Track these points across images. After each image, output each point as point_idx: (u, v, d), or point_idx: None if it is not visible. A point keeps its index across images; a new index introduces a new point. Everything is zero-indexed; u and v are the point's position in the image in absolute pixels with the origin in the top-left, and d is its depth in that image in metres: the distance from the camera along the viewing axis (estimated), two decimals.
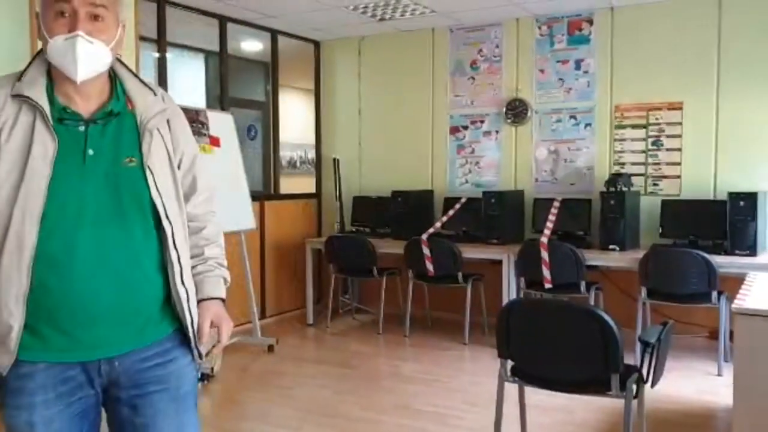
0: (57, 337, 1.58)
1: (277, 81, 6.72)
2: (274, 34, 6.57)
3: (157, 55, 5.50)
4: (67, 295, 1.56)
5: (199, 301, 1.79)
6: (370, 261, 5.89)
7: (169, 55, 5.59)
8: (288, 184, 7.04)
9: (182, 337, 1.74)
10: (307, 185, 7.29)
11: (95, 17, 1.57)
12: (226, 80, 6.13)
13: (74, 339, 1.59)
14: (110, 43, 1.61)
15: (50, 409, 1.60)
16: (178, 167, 1.74)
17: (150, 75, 5.49)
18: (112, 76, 1.70)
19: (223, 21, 6.00)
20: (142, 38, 4.98)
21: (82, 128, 1.60)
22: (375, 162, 6.83)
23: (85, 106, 1.63)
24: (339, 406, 4.16)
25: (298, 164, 8.65)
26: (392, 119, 6.70)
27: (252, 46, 6.98)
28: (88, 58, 1.56)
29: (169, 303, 1.70)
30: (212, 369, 4.66)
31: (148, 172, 1.64)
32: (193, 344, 1.74)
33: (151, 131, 1.68)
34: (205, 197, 1.85)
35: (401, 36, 6.59)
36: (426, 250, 5.57)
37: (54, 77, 1.61)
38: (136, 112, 1.68)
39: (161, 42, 5.45)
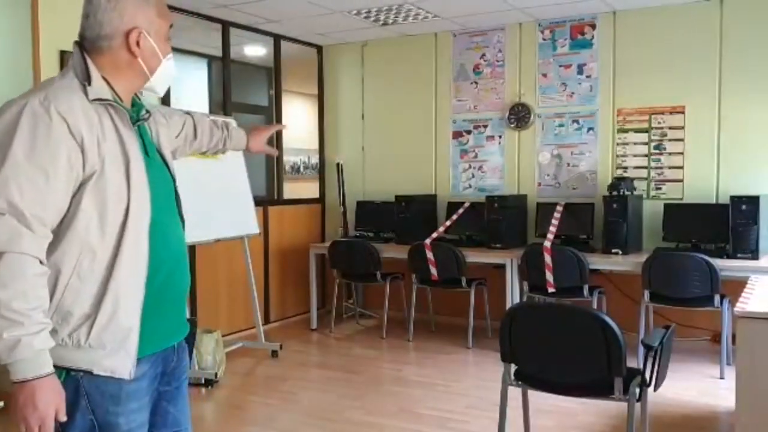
0: (162, 324, 1.67)
1: (280, 86, 6.74)
2: (276, 39, 6.59)
3: None
4: (170, 283, 1.67)
5: (247, 145, 2.34)
6: (373, 266, 5.90)
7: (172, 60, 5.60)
8: (291, 190, 7.05)
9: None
10: (311, 190, 7.30)
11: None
12: (229, 85, 6.15)
13: (171, 325, 1.71)
14: None
15: (148, 409, 1.68)
16: (179, 135, 2.05)
17: None
18: None
19: (225, 26, 6.03)
20: None
21: (135, 126, 1.69)
22: (378, 167, 6.84)
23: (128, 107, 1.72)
24: (343, 410, 4.17)
25: (301, 169, 8.65)
26: (395, 124, 6.72)
27: (255, 51, 7.00)
28: None
29: None
30: (216, 374, 4.67)
31: (169, 163, 1.79)
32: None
33: (157, 125, 1.81)
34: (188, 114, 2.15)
35: (404, 41, 6.61)
36: (429, 255, 5.57)
37: (111, 83, 1.66)
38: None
39: None
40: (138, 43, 1.65)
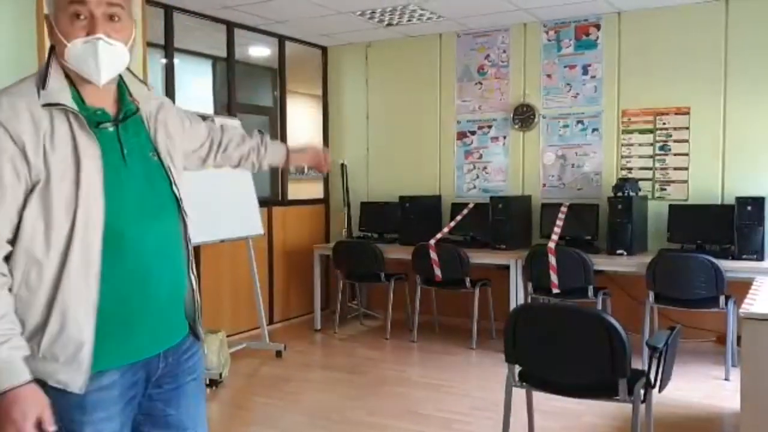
0: (131, 338, 1.58)
1: (285, 87, 6.75)
2: (281, 39, 6.60)
3: (164, 61, 5.54)
4: (139, 295, 1.57)
5: (287, 163, 2.28)
6: (377, 266, 5.90)
7: (177, 61, 5.62)
8: (296, 190, 7.05)
9: (191, 330, 1.80)
10: (315, 191, 7.31)
11: (111, 17, 1.54)
12: (233, 86, 6.16)
13: (144, 336, 1.60)
14: (128, 42, 1.59)
15: (125, 415, 1.60)
16: (193, 140, 1.91)
17: (158, 81, 5.52)
18: None
19: (230, 27, 6.03)
20: (150, 44, 5.02)
21: (112, 129, 1.60)
22: (382, 167, 6.84)
23: (108, 106, 1.62)
24: (346, 411, 4.17)
25: (305, 170, 8.66)
26: (400, 124, 6.72)
27: (259, 51, 7.01)
28: (109, 60, 1.53)
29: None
30: (221, 374, 4.67)
31: (169, 166, 1.69)
32: (200, 331, 1.81)
33: (161, 124, 1.72)
34: (205, 130, 2.04)
35: (408, 41, 6.60)
36: (433, 256, 5.57)
37: (75, 81, 1.57)
38: (141, 107, 1.69)
39: (169, 48, 5.49)
40: (51, 31, 1.54)
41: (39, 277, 1.48)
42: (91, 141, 1.53)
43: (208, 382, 4.61)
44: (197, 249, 5.41)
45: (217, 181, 5.12)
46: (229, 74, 6.14)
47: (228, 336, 5.15)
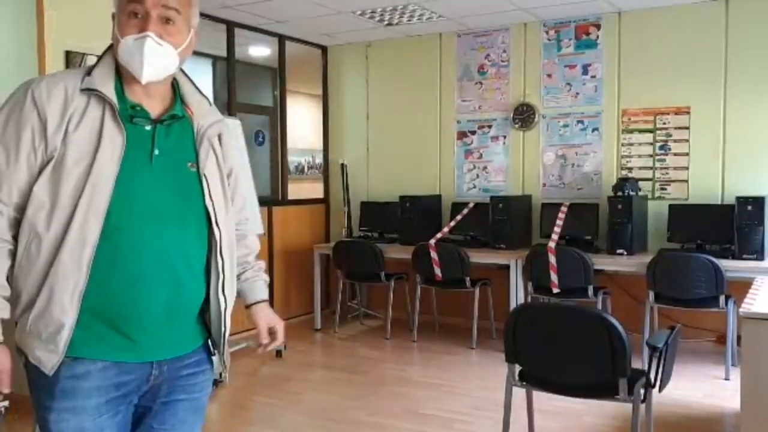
0: (115, 336, 1.56)
1: (285, 86, 6.75)
2: (281, 39, 6.60)
3: None
4: (128, 294, 1.55)
5: (250, 305, 1.93)
6: (377, 266, 5.90)
7: None
8: (296, 190, 7.05)
9: (207, 350, 1.77)
10: (315, 190, 7.31)
11: (167, 20, 1.59)
12: (233, 85, 6.16)
13: (132, 339, 1.57)
14: (179, 46, 1.62)
15: (101, 416, 1.57)
16: (228, 182, 1.77)
17: None
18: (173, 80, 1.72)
19: (230, 26, 6.03)
20: None
21: (148, 128, 1.61)
22: (383, 167, 6.84)
23: (152, 106, 1.64)
24: (347, 411, 4.17)
25: (305, 169, 8.67)
26: (400, 124, 6.72)
27: (259, 51, 7.01)
28: (155, 59, 1.57)
29: (202, 313, 1.72)
30: (221, 374, 4.67)
31: (203, 179, 1.67)
32: (224, 356, 1.77)
33: (209, 140, 1.71)
34: (254, 214, 1.96)
35: (409, 41, 6.61)
36: (434, 255, 5.57)
37: (123, 76, 1.61)
38: (194, 118, 1.71)
39: None
40: (114, 27, 1.61)
41: (38, 251, 1.51)
42: (117, 131, 1.55)
43: None
44: None
45: None
46: (229, 74, 6.14)
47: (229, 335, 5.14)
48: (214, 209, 1.67)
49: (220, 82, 6.64)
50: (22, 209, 1.53)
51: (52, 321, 1.51)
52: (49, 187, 1.51)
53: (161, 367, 1.63)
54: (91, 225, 1.50)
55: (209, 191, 1.67)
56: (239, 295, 1.92)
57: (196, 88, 1.77)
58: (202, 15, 6.61)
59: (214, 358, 1.79)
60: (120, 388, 1.58)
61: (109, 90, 1.57)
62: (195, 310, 1.70)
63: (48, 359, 1.52)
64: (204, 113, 1.73)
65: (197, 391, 1.74)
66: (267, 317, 1.94)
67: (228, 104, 6.17)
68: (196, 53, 6.37)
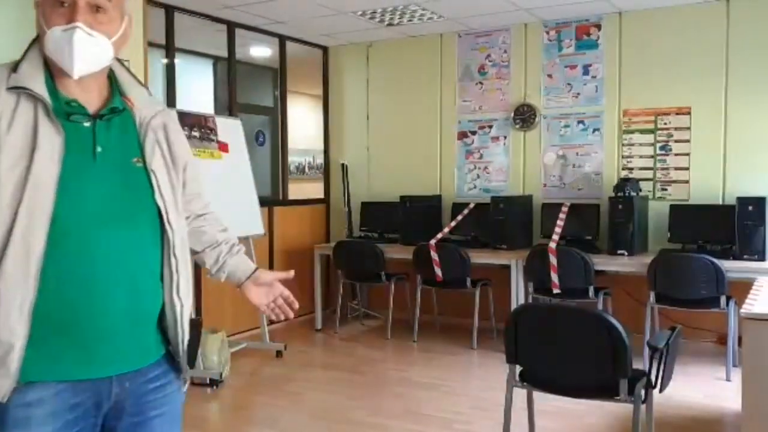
0: (70, 350, 1.44)
1: (286, 87, 6.75)
2: (282, 39, 6.60)
3: (165, 60, 5.54)
4: (83, 303, 1.43)
5: (247, 278, 1.90)
6: (378, 266, 5.90)
7: (178, 60, 5.62)
8: (296, 190, 7.05)
9: (171, 359, 1.64)
10: (316, 191, 7.31)
11: (97, 8, 1.46)
12: (234, 86, 6.16)
13: (89, 351, 1.45)
14: (112, 36, 1.49)
15: None
16: (179, 176, 1.65)
17: (158, 81, 5.52)
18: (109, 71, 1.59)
19: (231, 27, 6.03)
20: (151, 44, 5.01)
21: (87, 124, 1.49)
22: (383, 167, 6.84)
23: (89, 101, 1.51)
24: (348, 411, 4.16)
25: (306, 170, 8.67)
26: (400, 124, 6.72)
27: (260, 51, 7.01)
28: (86, 52, 1.44)
29: (160, 320, 1.60)
30: (221, 374, 4.67)
31: (152, 175, 1.55)
32: (183, 364, 1.64)
33: (154, 132, 1.59)
34: (198, 201, 1.82)
35: (409, 41, 6.60)
36: (434, 256, 5.57)
37: (53, 70, 1.48)
38: (134, 110, 1.58)
39: (170, 48, 5.49)
40: (38, 17, 1.46)
41: None
42: (54, 131, 1.42)
43: (208, 381, 4.61)
44: None
45: (218, 180, 5.13)
46: (230, 74, 6.14)
47: (229, 336, 5.15)
48: (165, 206, 1.56)
49: (220, 83, 6.64)
50: None
51: (0, 343, 1.37)
52: None
53: (123, 384, 1.51)
54: (35, 233, 1.38)
55: (159, 187, 1.56)
56: (229, 277, 1.89)
57: (134, 77, 1.64)
58: (203, 15, 6.57)
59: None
60: (77, 408, 1.46)
61: (39, 87, 1.44)
62: (155, 317, 1.58)
63: (0, 385, 1.38)
64: (145, 104, 1.60)
65: (168, 403, 1.62)
66: (271, 275, 1.95)
67: (229, 104, 6.17)
68: (197, 54, 6.33)
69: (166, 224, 1.57)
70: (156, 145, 1.59)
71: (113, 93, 1.57)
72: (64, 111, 1.46)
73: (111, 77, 1.59)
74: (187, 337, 1.64)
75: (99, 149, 1.48)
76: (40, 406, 1.41)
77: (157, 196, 1.55)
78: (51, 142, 1.41)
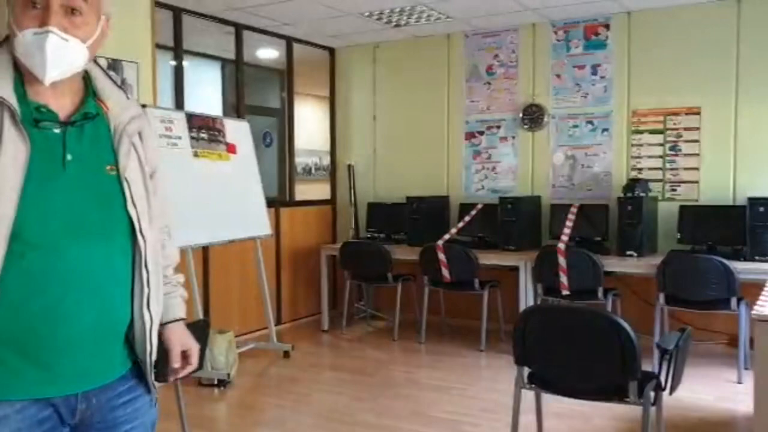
0: (32, 369, 1.37)
1: (293, 88, 6.75)
2: (289, 41, 6.60)
3: (174, 63, 5.54)
4: (46, 319, 1.36)
5: (165, 324, 1.66)
6: (384, 267, 5.88)
7: (186, 63, 5.63)
8: (303, 191, 7.05)
9: (139, 372, 1.57)
10: (322, 192, 7.30)
11: (72, 10, 1.39)
12: (242, 88, 6.16)
13: (52, 370, 1.39)
14: (87, 40, 1.43)
15: None
16: (149, 185, 1.58)
17: (167, 83, 5.53)
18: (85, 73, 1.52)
19: (239, 29, 6.04)
20: (159, 46, 5.02)
21: (57, 130, 1.41)
22: (390, 168, 6.83)
23: (60, 105, 1.44)
24: (355, 412, 4.15)
25: (313, 171, 8.65)
26: (407, 125, 6.70)
27: (267, 53, 7.01)
28: (59, 57, 1.38)
29: (128, 333, 1.54)
30: (228, 375, 4.66)
31: (125, 183, 1.48)
32: (150, 378, 1.58)
33: (129, 138, 1.52)
34: (160, 211, 1.66)
35: (416, 42, 6.59)
36: (442, 257, 5.55)
37: (23, 74, 1.41)
38: (110, 115, 1.51)
39: (178, 50, 5.49)
40: (9, 16, 1.38)
41: None
42: (18, 137, 1.34)
43: (216, 382, 4.61)
44: (205, 250, 5.41)
45: (226, 181, 5.14)
46: (238, 76, 6.15)
47: (236, 336, 5.14)
48: (138, 217, 1.49)
49: (228, 85, 6.64)
50: None
51: None
52: None
53: (89, 400, 1.45)
54: None
55: (131, 197, 1.48)
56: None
57: (112, 80, 1.57)
58: (211, 18, 6.58)
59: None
60: (45, 423, 1.40)
61: (7, 91, 1.37)
62: (123, 331, 1.51)
63: None
64: (122, 108, 1.53)
65: (140, 416, 1.56)
66: (181, 339, 1.69)
67: (236, 106, 6.17)
68: (205, 56, 6.34)
69: (138, 235, 1.50)
70: (132, 151, 1.52)
71: (87, 97, 1.50)
72: (33, 117, 1.39)
73: (86, 79, 1.52)
74: (155, 351, 1.58)
75: (69, 157, 1.41)
76: (5, 424, 1.35)
77: (129, 205, 1.49)
78: (15, 149, 1.34)
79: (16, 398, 1.36)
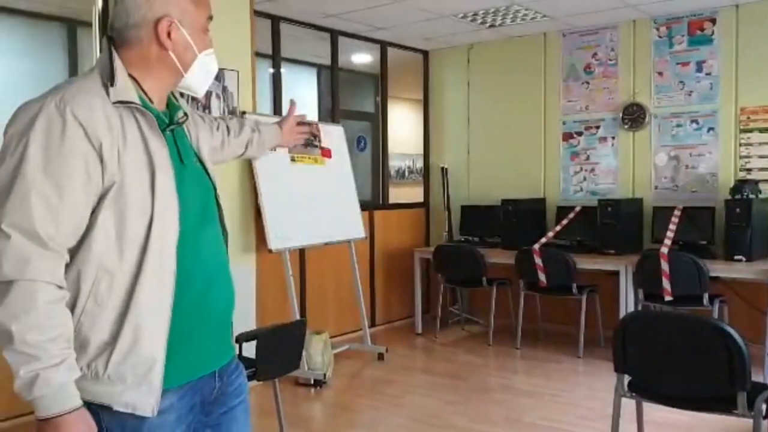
0: (193, 351, 1.49)
1: (386, 92, 6.81)
2: (383, 45, 6.66)
3: (272, 70, 5.71)
4: (202, 303, 1.49)
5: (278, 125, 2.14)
6: (479, 271, 5.83)
7: (284, 69, 5.78)
8: (396, 194, 7.10)
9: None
10: (416, 195, 7.33)
11: None
12: (337, 93, 6.27)
13: (205, 348, 1.52)
14: None
15: None
16: (211, 141, 1.85)
17: (266, 90, 5.70)
18: None
19: (334, 35, 6.15)
20: (258, 54, 5.18)
21: (168, 133, 1.52)
22: (484, 170, 6.77)
23: (162, 109, 1.56)
24: (448, 416, 4.14)
25: (406, 174, 8.71)
26: (502, 126, 6.63)
27: (362, 58, 7.10)
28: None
29: None
30: (325, 375, 4.75)
31: (210, 172, 1.63)
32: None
33: (198, 129, 1.68)
34: (232, 124, 2.02)
35: (511, 42, 6.51)
36: (538, 261, 5.45)
37: (141, 83, 1.49)
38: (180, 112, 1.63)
39: (276, 57, 5.65)
40: (169, 35, 1.46)
41: (109, 289, 1.37)
42: (161, 143, 1.45)
43: (312, 382, 4.70)
44: (302, 252, 5.54)
45: (321, 185, 5.25)
46: (333, 81, 6.26)
47: (331, 337, 5.23)
48: (219, 202, 1.64)
49: (324, 90, 6.79)
50: (72, 252, 1.36)
51: (142, 360, 1.38)
52: (113, 217, 1.37)
53: (222, 377, 1.58)
54: (167, 248, 1.41)
55: (215, 187, 1.63)
56: (271, 145, 2.14)
57: None
58: (306, 25, 6.73)
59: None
60: (193, 410, 1.51)
61: (136, 99, 1.45)
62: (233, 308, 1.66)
63: (144, 402, 1.38)
64: (183, 105, 1.65)
65: (243, 391, 1.67)
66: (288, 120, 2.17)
67: (332, 111, 6.29)
68: (301, 62, 6.49)
69: (225, 220, 1.65)
70: (201, 142, 1.66)
71: (169, 100, 1.61)
72: (160, 122, 1.51)
73: None
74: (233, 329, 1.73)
75: (183, 154, 1.55)
76: (170, 412, 1.43)
77: (218, 194, 1.63)
78: (162, 155, 1.45)
79: (180, 384, 1.46)
